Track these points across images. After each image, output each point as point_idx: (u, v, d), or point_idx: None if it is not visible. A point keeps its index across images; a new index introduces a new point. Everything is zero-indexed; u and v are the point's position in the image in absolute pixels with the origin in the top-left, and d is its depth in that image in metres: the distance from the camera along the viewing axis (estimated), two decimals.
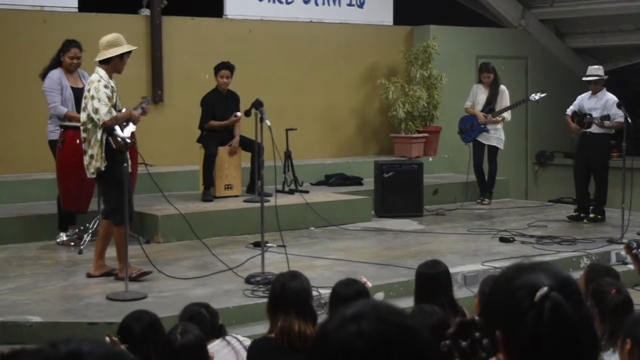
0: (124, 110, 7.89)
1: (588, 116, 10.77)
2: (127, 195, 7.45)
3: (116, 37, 7.78)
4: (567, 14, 15.64)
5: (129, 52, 7.85)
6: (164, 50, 12.29)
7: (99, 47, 7.79)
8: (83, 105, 7.73)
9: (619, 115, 10.56)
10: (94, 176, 7.71)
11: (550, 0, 15.59)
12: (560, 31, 16.22)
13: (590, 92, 10.98)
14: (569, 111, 11.13)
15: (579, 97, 11.15)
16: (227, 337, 4.88)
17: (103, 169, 7.60)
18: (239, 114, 10.82)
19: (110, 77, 7.75)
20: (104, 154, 7.59)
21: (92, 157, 7.63)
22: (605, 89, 10.96)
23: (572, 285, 2.08)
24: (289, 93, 13.21)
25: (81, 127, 7.76)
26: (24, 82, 10.86)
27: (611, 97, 10.82)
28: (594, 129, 10.77)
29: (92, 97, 7.57)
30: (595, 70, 10.97)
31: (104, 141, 7.58)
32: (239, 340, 4.86)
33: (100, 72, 7.68)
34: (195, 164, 11.19)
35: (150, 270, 7.87)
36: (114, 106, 7.70)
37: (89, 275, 7.95)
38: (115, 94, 7.76)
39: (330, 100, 13.83)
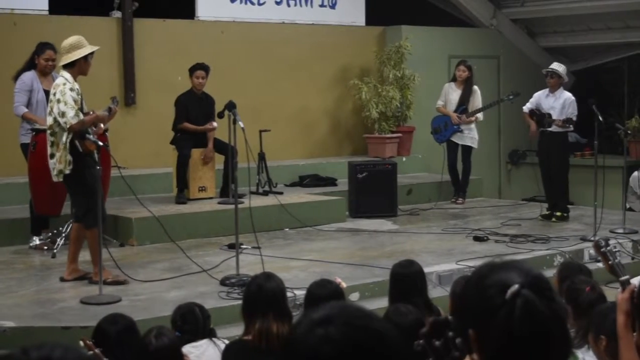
0: (91, 112, 7.85)
1: (547, 116, 10.83)
2: (100, 197, 7.44)
3: (78, 39, 7.74)
4: (538, 14, 15.74)
5: (93, 52, 7.80)
6: (136, 53, 12.24)
7: (61, 50, 7.77)
8: (49, 109, 7.67)
9: (575, 115, 10.72)
10: (59, 179, 7.64)
11: (521, 0, 15.68)
12: (532, 31, 16.32)
13: (547, 89, 11.02)
14: (525, 108, 11.15)
15: (536, 95, 11.16)
16: (214, 339, 4.90)
17: (67, 172, 7.55)
18: (215, 124, 10.79)
19: (75, 80, 7.71)
20: (69, 157, 7.54)
21: (56, 160, 7.59)
22: (562, 88, 11.02)
23: (544, 283, 2.10)
24: (262, 94, 13.20)
25: (48, 131, 7.70)
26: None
27: (569, 96, 10.90)
28: (553, 128, 10.84)
29: (58, 101, 7.52)
30: (557, 67, 11.02)
31: (68, 145, 7.53)
32: (224, 342, 4.87)
33: (66, 75, 7.64)
34: (169, 167, 11.15)
35: (125, 280, 7.81)
36: (80, 109, 7.66)
37: (63, 280, 7.90)
38: (80, 96, 7.72)
39: (303, 101, 13.83)
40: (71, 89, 7.57)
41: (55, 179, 7.68)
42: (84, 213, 7.69)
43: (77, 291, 7.53)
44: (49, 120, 7.66)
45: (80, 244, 7.90)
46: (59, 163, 7.57)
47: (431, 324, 2.16)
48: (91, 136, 7.68)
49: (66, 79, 7.61)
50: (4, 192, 10.48)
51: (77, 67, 7.69)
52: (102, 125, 7.93)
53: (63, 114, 7.49)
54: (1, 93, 10.26)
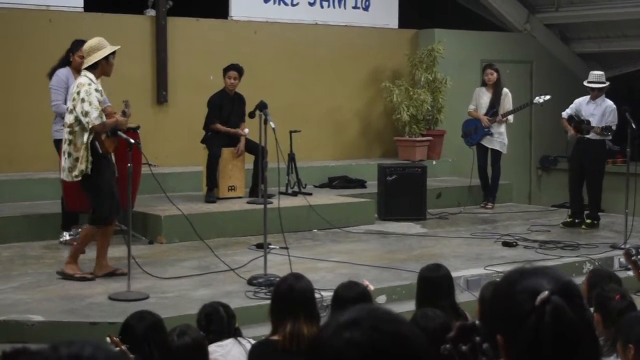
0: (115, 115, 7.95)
1: (586, 122, 10.75)
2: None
3: (98, 41, 7.81)
4: (573, 19, 15.64)
5: (114, 52, 7.85)
6: (169, 51, 12.30)
7: (84, 55, 7.83)
8: (71, 107, 7.71)
9: (615, 123, 10.62)
10: (78, 179, 7.70)
11: (556, 5, 15.59)
12: (566, 36, 16.23)
13: (588, 96, 10.95)
14: (564, 114, 11.07)
15: (577, 101, 11.08)
16: (239, 338, 4.89)
17: (89, 172, 7.62)
18: (247, 130, 10.83)
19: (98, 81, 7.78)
20: (90, 158, 7.60)
21: (77, 159, 7.64)
22: (604, 95, 10.94)
23: (574, 290, 2.09)
24: (293, 95, 13.22)
25: (67, 129, 7.75)
26: (29, 81, 10.88)
27: (610, 104, 10.81)
28: (591, 135, 10.76)
29: (83, 100, 7.57)
30: (598, 77, 10.91)
31: (89, 145, 7.60)
32: (250, 342, 4.87)
33: (90, 75, 7.70)
34: (199, 165, 11.19)
35: (93, 277, 7.84)
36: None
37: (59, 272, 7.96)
38: (104, 97, 7.78)
39: (334, 103, 13.84)
40: (96, 90, 7.63)
41: (68, 178, 7.74)
42: (93, 212, 7.84)
43: (106, 287, 7.58)
44: (70, 119, 7.70)
45: (105, 241, 7.97)
46: (80, 163, 7.63)
47: (458, 329, 2.16)
48: (123, 134, 7.75)
49: (91, 80, 7.67)
50: (36, 187, 10.57)
51: (100, 69, 7.76)
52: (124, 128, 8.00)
53: (87, 114, 7.54)
54: (36, 89, 10.35)
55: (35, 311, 6.85)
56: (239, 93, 11.06)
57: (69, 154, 7.70)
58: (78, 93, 7.63)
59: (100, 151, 7.62)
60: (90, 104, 7.55)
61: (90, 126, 7.55)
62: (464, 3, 15.80)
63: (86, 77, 7.69)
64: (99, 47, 7.75)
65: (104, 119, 7.64)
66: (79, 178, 7.69)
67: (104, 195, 7.70)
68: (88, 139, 7.60)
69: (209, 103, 11.00)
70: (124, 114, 8.09)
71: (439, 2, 15.01)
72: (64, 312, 6.92)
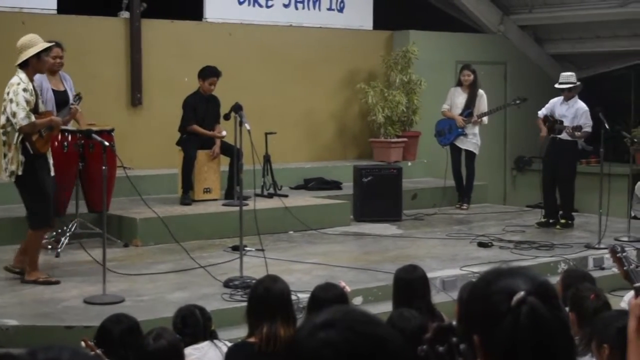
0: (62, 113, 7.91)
1: (559, 122, 10.82)
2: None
3: (29, 38, 7.69)
4: (546, 20, 15.72)
5: (47, 50, 7.77)
6: (143, 53, 12.24)
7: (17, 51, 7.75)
8: (2, 108, 7.66)
9: (587, 125, 10.71)
10: (11, 179, 7.65)
11: (530, 6, 15.67)
12: (539, 37, 16.30)
13: (562, 97, 11.02)
14: (540, 114, 11.15)
15: (552, 101, 11.15)
16: (215, 341, 4.88)
17: (20, 173, 7.55)
18: (224, 132, 10.82)
19: (32, 80, 7.70)
20: (21, 158, 7.54)
21: (8, 160, 7.60)
22: (577, 97, 11.01)
23: (549, 290, 2.09)
24: (269, 97, 13.20)
25: (0, 130, 7.69)
26: (2, 84, 10.77)
27: (582, 106, 10.89)
28: (563, 135, 10.83)
29: (11, 101, 7.51)
30: (568, 77, 10.99)
31: (19, 145, 7.54)
32: (226, 344, 4.86)
33: (21, 75, 7.60)
34: (174, 167, 11.16)
35: (57, 281, 7.83)
36: (36, 109, 7.64)
37: (24, 281, 7.88)
38: (35, 97, 7.68)
39: (309, 104, 13.83)
40: (25, 90, 7.54)
41: (6, 179, 7.69)
42: (32, 215, 7.76)
43: (81, 291, 7.54)
44: (2, 120, 7.64)
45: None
46: (10, 164, 7.57)
47: (435, 330, 2.16)
48: (97, 136, 7.71)
49: (21, 79, 7.58)
50: (9, 191, 10.45)
51: (32, 66, 7.65)
52: (59, 127, 7.94)
53: (14, 115, 7.49)
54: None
55: (9, 315, 6.79)
56: (213, 95, 11.03)
57: (4, 155, 7.65)
58: (7, 94, 7.56)
59: (32, 152, 7.55)
60: (17, 104, 7.47)
61: (18, 127, 7.48)
62: (439, 5, 15.84)
63: (17, 77, 7.60)
64: (30, 44, 7.62)
65: (32, 119, 7.54)
66: (12, 179, 7.62)
67: (40, 197, 7.60)
68: (17, 139, 7.53)
69: (184, 105, 10.97)
70: (69, 109, 8.05)
71: (414, 4, 15.03)
72: (38, 316, 6.87)
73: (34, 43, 7.63)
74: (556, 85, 11.07)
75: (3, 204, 10.21)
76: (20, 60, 7.60)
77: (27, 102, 7.52)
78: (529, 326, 2.01)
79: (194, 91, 11.00)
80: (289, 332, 4.53)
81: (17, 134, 7.52)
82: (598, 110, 10.24)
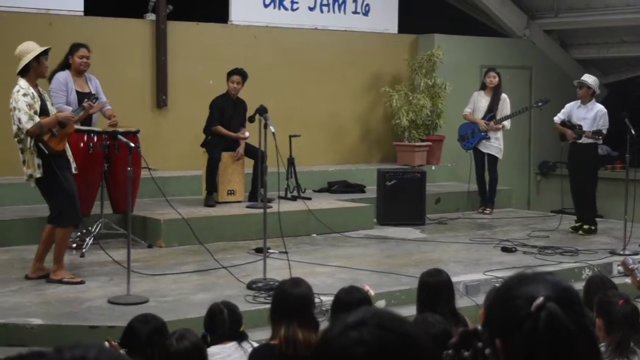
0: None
1: (578, 127, 10.76)
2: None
3: (25, 45, 7.79)
4: (572, 25, 15.65)
5: (45, 54, 7.82)
6: (169, 55, 12.31)
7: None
8: (12, 119, 7.73)
9: (604, 127, 10.67)
10: (31, 183, 7.72)
11: (555, 11, 15.60)
12: (565, 42, 16.24)
13: (579, 101, 10.96)
14: (557, 119, 11.08)
15: (568, 106, 11.09)
16: (243, 342, 4.88)
17: (38, 175, 7.62)
18: (247, 133, 10.86)
19: (35, 85, 7.77)
20: (37, 161, 7.60)
21: (26, 165, 7.67)
22: (594, 100, 10.95)
23: (572, 296, 2.09)
24: (293, 99, 13.23)
25: (15, 139, 7.77)
26: None
27: (601, 108, 10.82)
28: (583, 139, 10.77)
29: (14, 109, 7.61)
30: (587, 78, 10.96)
31: (33, 149, 7.61)
32: (252, 345, 4.86)
33: (20, 82, 7.70)
34: (199, 169, 11.20)
35: (82, 281, 7.88)
36: (42, 111, 7.68)
37: (27, 277, 7.97)
38: (39, 100, 7.73)
39: (334, 108, 13.85)
40: (24, 95, 7.61)
41: (32, 184, 7.73)
42: (59, 214, 7.79)
43: (105, 291, 7.58)
44: (14, 129, 7.73)
45: (49, 245, 8.00)
46: (27, 168, 7.65)
47: (460, 334, 2.16)
48: (123, 138, 7.75)
49: (20, 86, 7.67)
50: (35, 191, 10.52)
51: (32, 72, 7.74)
52: (73, 124, 7.99)
53: (19, 120, 7.58)
54: None
55: (34, 314, 6.84)
56: (241, 98, 11.08)
57: (23, 162, 7.73)
58: (11, 103, 7.67)
59: (47, 152, 7.61)
60: (19, 110, 7.57)
61: (24, 131, 7.57)
62: (464, 9, 15.82)
63: (17, 85, 7.70)
64: (26, 50, 7.73)
65: (36, 119, 7.59)
66: (32, 183, 7.70)
67: (63, 195, 7.64)
68: (30, 143, 7.60)
69: (211, 105, 11.00)
70: (83, 109, 8.13)
71: (439, 8, 15.02)
72: (63, 315, 6.91)
73: (29, 50, 7.75)
74: (574, 82, 11.09)
75: (27, 204, 10.30)
76: (20, 67, 7.70)
77: (30, 105, 7.60)
78: (547, 332, 2.01)
79: (222, 93, 11.04)
80: (309, 335, 4.53)
81: (28, 138, 7.60)
82: (624, 116, 10.17)
